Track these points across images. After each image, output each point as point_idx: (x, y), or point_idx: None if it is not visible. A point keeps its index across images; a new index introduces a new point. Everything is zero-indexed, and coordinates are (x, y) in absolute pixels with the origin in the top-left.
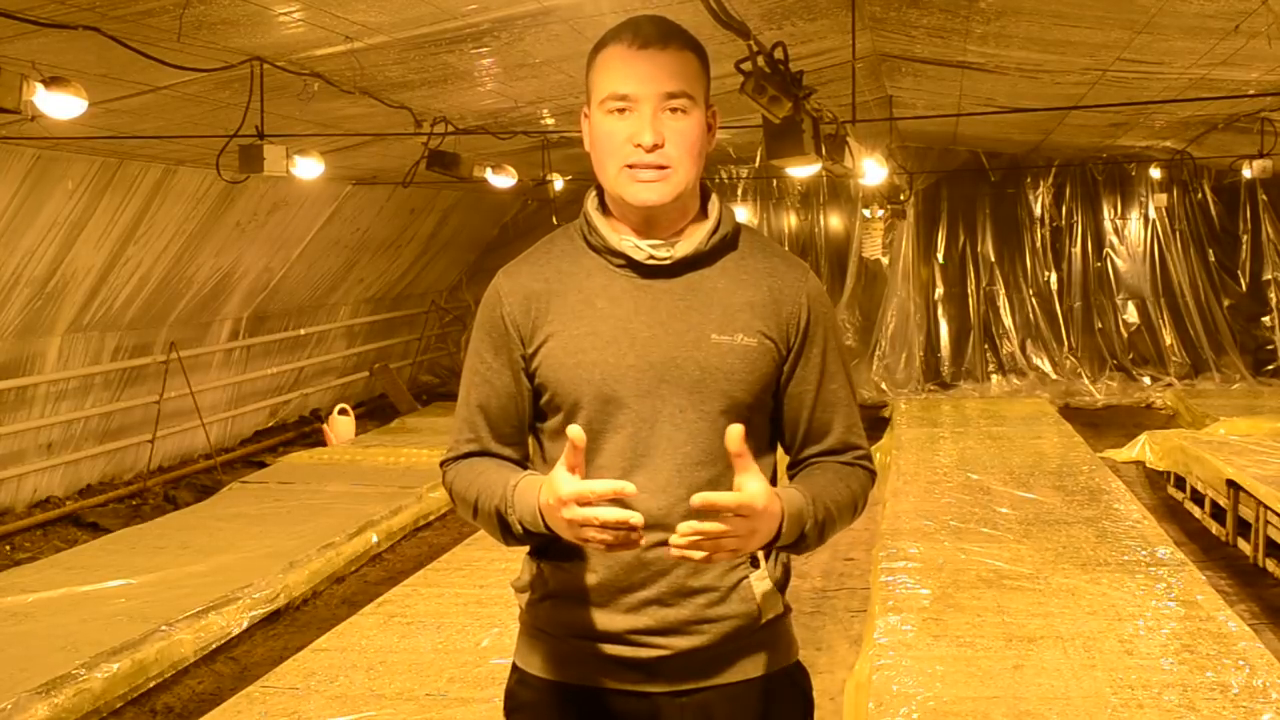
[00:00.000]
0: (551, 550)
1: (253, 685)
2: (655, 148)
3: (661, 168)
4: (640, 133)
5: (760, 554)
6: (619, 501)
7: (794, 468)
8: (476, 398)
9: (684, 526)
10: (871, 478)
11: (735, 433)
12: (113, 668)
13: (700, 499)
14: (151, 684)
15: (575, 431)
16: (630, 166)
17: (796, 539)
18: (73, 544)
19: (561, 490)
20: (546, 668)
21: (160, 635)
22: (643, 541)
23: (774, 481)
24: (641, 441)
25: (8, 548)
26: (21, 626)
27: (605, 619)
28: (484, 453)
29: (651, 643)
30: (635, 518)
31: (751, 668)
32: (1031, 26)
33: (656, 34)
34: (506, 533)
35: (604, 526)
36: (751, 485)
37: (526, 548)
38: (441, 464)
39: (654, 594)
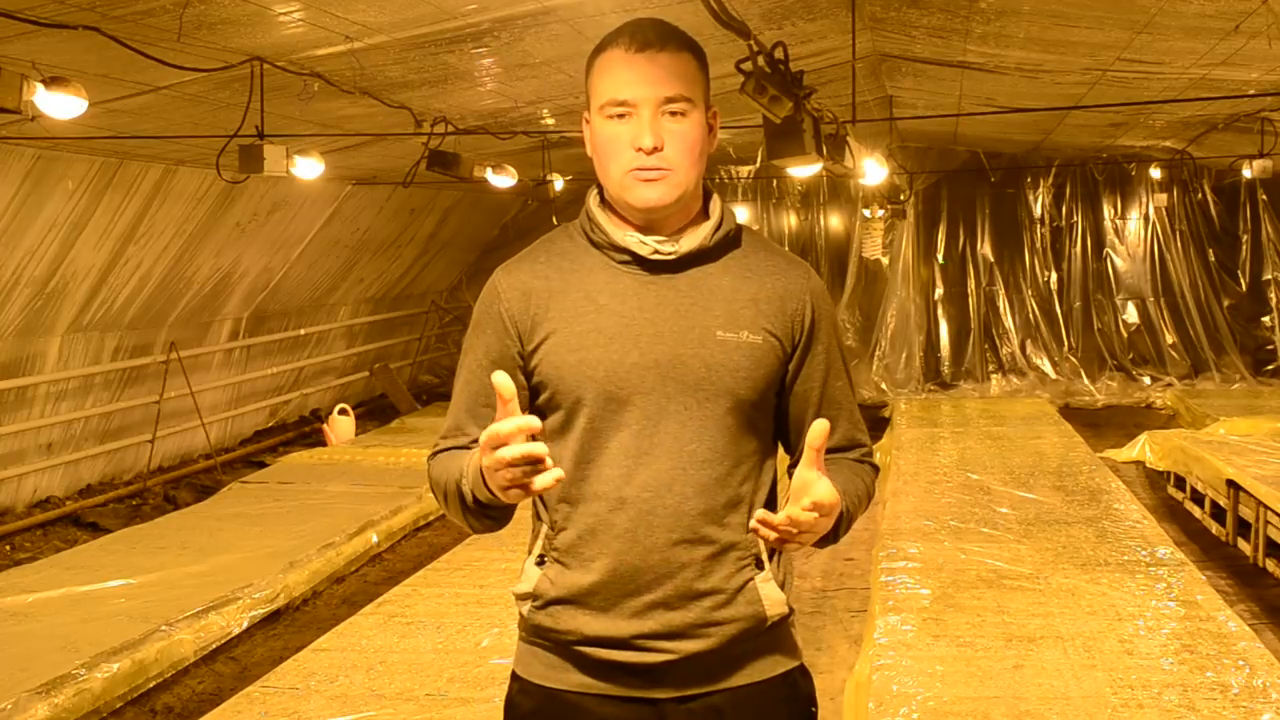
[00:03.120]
0: (553, 556)
1: (253, 685)
2: (655, 151)
3: (661, 169)
4: (640, 137)
5: (765, 555)
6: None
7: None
8: (469, 394)
9: (785, 514)
10: (876, 472)
11: (822, 426)
12: (113, 668)
13: (809, 503)
14: (151, 684)
15: (500, 379)
16: (631, 171)
17: (829, 534)
18: (73, 544)
19: (480, 439)
20: (549, 676)
21: (160, 635)
22: (648, 542)
23: (775, 483)
24: (646, 439)
25: (8, 548)
26: (21, 626)
27: (610, 624)
28: (469, 448)
29: (658, 647)
30: (538, 448)
31: (757, 671)
32: (1031, 26)
33: (654, 37)
34: (465, 509)
35: (512, 464)
36: (826, 486)
37: (498, 526)
38: (428, 459)
39: (660, 597)
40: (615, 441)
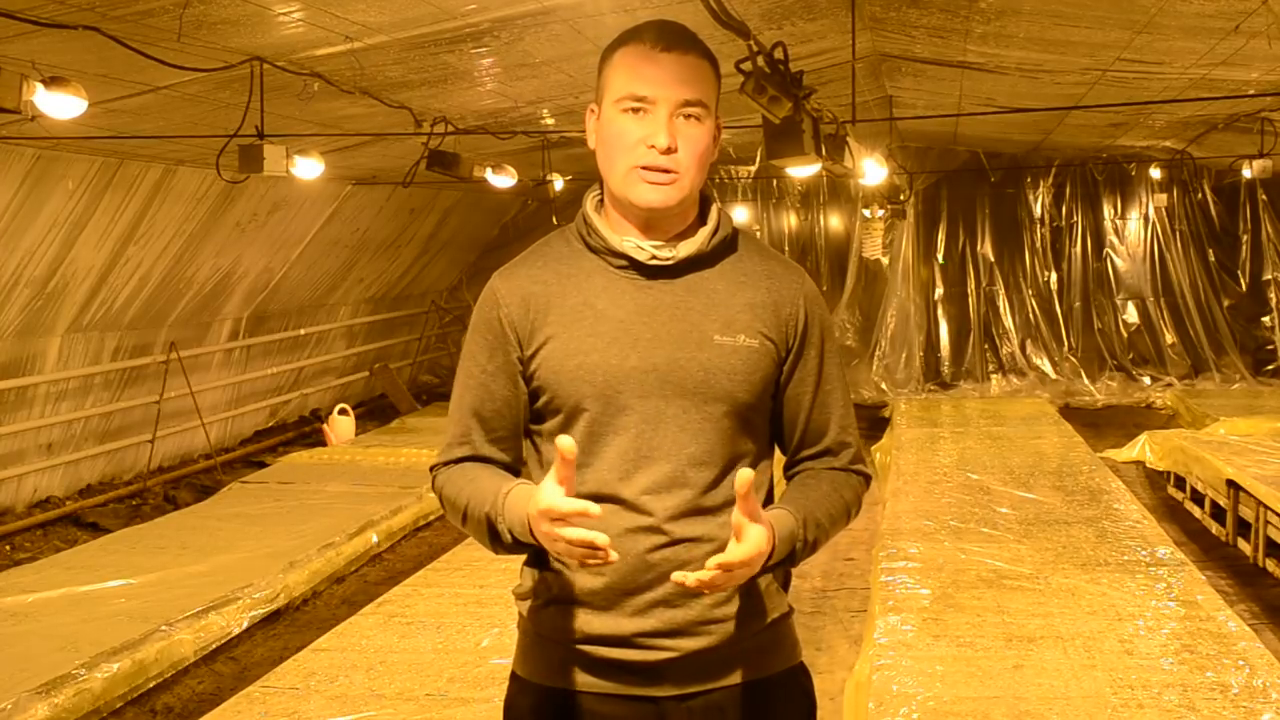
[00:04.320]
0: (550, 555)
1: (253, 685)
2: (669, 151)
3: (670, 171)
4: (655, 135)
5: None
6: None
7: (790, 468)
8: (471, 401)
9: (705, 573)
10: (866, 481)
11: (745, 477)
12: (113, 668)
13: (714, 563)
14: (151, 684)
15: (565, 443)
16: (640, 168)
17: (784, 558)
18: (73, 544)
19: (540, 503)
20: (549, 675)
21: (160, 635)
22: (648, 544)
23: (772, 485)
24: (645, 443)
25: (8, 548)
26: (21, 626)
27: (611, 623)
28: (476, 457)
29: (658, 645)
30: (599, 538)
31: (758, 668)
32: (1031, 26)
33: (678, 39)
34: (496, 541)
35: (570, 544)
36: (753, 533)
37: (523, 555)
38: (432, 468)
39: (660, 595)
40: (614, 445)
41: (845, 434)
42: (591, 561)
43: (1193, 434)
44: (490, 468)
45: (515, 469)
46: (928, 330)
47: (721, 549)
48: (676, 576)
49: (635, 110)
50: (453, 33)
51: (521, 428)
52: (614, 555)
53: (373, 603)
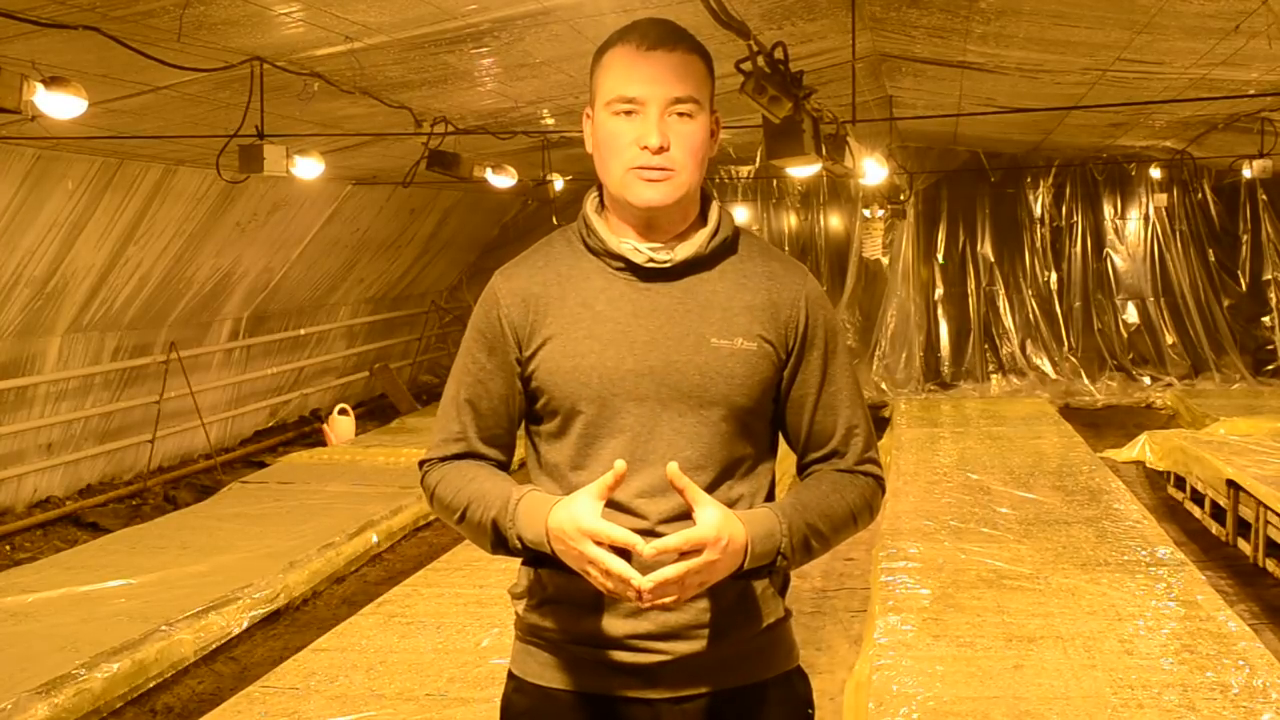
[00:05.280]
0: (549, 558)
1: (253, 685)
2: (661, 150)
3: (666, 170)
4: (647, 135)
5: None
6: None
7: (799, 472)
8: (467, 397)
9: (651, 580)
10: (877, 484)
11: (672, 470)
12: (113, 668)
13: (652, 548)
14: (151, 684)
15: (620, 466)
16: (635, 169)
17: (772, 560)
18: (73, 544)
19: (582, 522)
20: (545, 675)
21: (160, 635)
22: (646, 552)
23: (773, 484)
24: (641, 445)
25: (8, 548)
26: (21, 626)
27: (605, 624)
28: (469, 454)
29: (652, 647)
30: (641, 581)
31: (753, 672)
32: (1031, 26)
33: (665, 36)
34: (499, 546)
35: (607, 574)
36: (705, 516)
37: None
38: (421, 463)
39: None
40: (610, 447)
41: (852, 436)
42: (620, 597)
43: (1193, 434)
44: (487, 467)
45: (507, 468)
46: (928, 330)
47: None
48: (635, 587)
49: (626, 112)
50: (453, 33)
51: (516, 428)
52: (646, 599)
53: (373, 603)
